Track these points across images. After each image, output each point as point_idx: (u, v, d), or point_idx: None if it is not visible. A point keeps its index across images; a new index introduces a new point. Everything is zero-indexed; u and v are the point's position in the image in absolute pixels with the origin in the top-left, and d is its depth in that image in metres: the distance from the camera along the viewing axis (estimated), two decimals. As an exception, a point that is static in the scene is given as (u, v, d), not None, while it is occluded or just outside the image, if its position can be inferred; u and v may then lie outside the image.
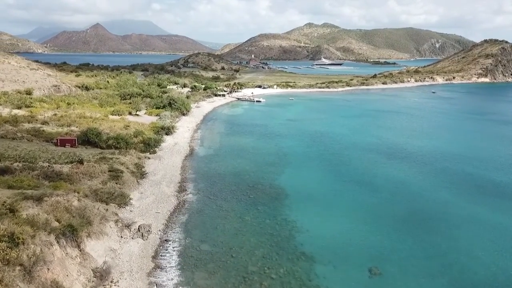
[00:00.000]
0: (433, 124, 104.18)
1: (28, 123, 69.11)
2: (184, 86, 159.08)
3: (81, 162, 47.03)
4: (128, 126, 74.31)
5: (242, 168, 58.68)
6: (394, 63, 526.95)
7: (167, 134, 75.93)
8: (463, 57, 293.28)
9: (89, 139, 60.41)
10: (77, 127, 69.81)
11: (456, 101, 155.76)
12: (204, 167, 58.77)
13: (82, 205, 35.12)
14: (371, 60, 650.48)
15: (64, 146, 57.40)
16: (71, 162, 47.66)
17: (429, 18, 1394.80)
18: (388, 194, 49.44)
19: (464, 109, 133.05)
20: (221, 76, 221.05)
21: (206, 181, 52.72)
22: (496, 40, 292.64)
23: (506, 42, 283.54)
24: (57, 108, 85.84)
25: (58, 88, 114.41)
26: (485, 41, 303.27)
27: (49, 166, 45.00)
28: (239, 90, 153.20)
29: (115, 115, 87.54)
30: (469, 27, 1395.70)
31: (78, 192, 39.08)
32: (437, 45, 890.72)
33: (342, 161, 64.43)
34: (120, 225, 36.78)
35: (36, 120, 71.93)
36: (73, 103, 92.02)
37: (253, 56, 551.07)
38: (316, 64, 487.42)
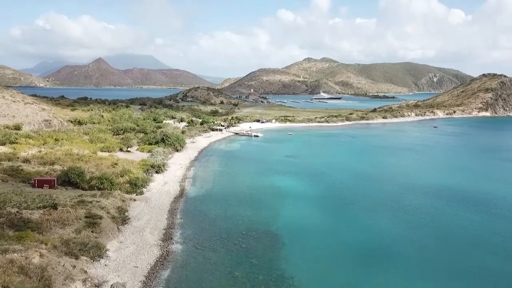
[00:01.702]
0: (441, 161, 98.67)
1: (8, 161, 64.74)
2: (181, 120, 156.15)
3: (54, 207, 42.23)
4: (116, 164, 69.89)
5: (235, 211, 53.76)
6: (393, 97, 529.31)
7: (157, 172, 71.48)
8: (462, 91, 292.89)
9: (70, 179, 55.82)
10: (60, 165, 65.28)
11: (461, 136, 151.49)
12: (194, 210, 53.87)
13: (44, 262, 30.16)
14: (370, 94, 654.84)
15: (42, 187, 52.78)
16: (44, 207, 42.87)
17: (426, 53, 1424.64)
18: (399, 244, 44.29)
19: (471, 145, 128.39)
20: (220, 110, 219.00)
21: (195, 227, 47.74)
22: (494, 74, 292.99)
23: (505, 76, 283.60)
24: (43, 144, 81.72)
25: (49, 123, 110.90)
26: (484, 75, 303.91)
27: (17, 212, 40.19)
28: (236, 124, 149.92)
29: (104, 151, 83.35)
30: (466, 61, 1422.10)
31: (46, 244, 34.38)
32: (435, 79, 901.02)
33: (346, 204, 59.48)
34: (89, 285, 31.61)
35: (18, 158, 67.57)
36: (62, 139, 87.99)
37: (252, 90, 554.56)
38: (315, 98, 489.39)
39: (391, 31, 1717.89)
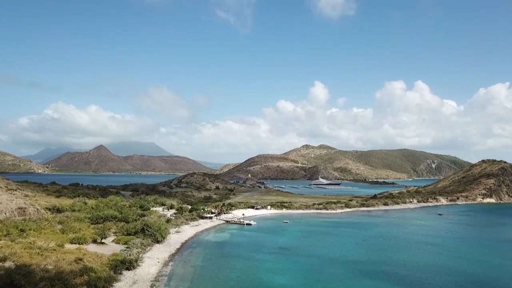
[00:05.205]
0: (461, 257, 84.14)
1: (-48, 257, 55.57)
2: (171, 207, 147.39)
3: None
4: (81, 259, 60.40)
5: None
6: (393, 183, 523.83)
7: (128, 269, 61.74)
8: (463, 177, 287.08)
9: (13, 281, 46.44)
10: (13, 262, 56.01)
11: (471, 225, 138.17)
12: (160, 322, 43.74)
13: None
14: (370, 180, 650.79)
15: (-25, 292, 43.34)
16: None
17: (423, 140, 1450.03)
18: None
19: (485, 236, 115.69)
20: (214, 196, 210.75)
21: None
22: (494, 160, 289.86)
23: (505, 162, 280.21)
24: (5, 236, 72.70)
25: (24, 211, 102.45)
26: (483, 161, 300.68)
27: None
28: (228, 211, 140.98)
29: (74, 243, 74.20)
30: (462, 148, 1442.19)
31: None
32: (434, 166, 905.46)
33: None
34: None
35: (-35, 253, 58.38)
36: (29, 229, 79.07)
37: (249, 175, 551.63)
38: (313, 184, 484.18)
39: (387, 120, 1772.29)
